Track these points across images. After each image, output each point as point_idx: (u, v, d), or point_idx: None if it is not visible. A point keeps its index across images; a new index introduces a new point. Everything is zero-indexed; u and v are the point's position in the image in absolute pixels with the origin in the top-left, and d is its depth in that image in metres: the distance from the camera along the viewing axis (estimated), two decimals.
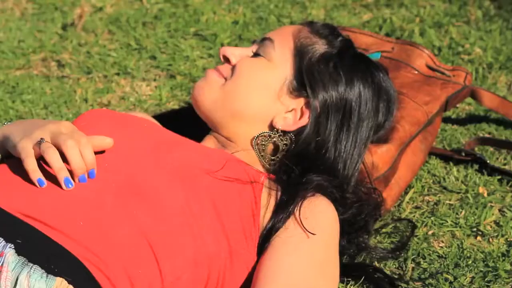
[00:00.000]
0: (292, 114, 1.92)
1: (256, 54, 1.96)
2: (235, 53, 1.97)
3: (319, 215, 1.79)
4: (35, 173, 1.66)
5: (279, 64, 1.92)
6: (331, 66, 1.92)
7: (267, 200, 1.79)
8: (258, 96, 1.92)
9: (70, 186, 1.66)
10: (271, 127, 1.92)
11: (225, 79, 1.95)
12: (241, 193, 1.77)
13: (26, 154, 1.67)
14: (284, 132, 1.91)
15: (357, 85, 1.93)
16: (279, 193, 1.81)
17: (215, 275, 1.72)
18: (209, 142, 1.95)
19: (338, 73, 1.92)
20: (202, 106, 1.95)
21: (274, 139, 1.91)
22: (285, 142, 1.91)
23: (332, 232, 1.80)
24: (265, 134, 1.92)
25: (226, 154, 1.86)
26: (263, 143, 1.91)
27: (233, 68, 1.95)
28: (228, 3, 2.95)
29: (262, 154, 1.91)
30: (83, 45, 2.79)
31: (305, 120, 1.91)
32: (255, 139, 1.91)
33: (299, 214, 1.77)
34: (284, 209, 1.78)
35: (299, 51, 1.93)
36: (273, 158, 1.91)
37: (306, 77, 1.91)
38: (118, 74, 2.67)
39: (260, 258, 1.76)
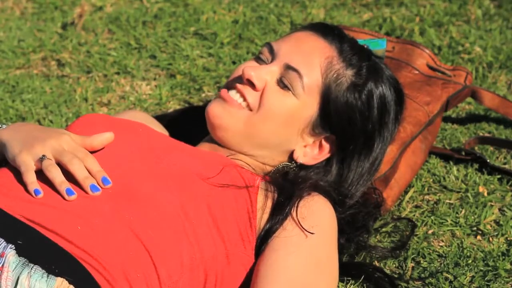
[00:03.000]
0: (310, 148, 1.91)
1: (282, 83, 1.87)
2: (259, 77, 1.88)
3: (317, 213, 1.79)
4: (33, 185, 1.68)
5: (307, 103, 1.88)
6: (357, 99, 1.89)
7: (264, 202, 1.79)
8: (283, 133, 1.89)
9: (72, 195, 1.67)
10: (290, 158, 1.92)
11: (249, 107, 1.88)
12: (237, 197, 1.77)
13: (26, 168, 1.70)
14: (302, 165, 1.91)
15: (386, 117, 1.92)
16: (275, 194, 1.80)
17: (213, 277, 1.72)
18: (205, 145, 1.94)
19: (368, 108, 1.90)
20: (220, 134, 1.90)
21: (288, 169, 1.91)
22: (296, 171, 1.91)
23: (330, 230, 1.80)
24: (283, 166, 1.91)
25: (222, 158, 1.85)
26: (277, 171, 1.91)
27: (260, 98, 1.87)
28: (228, 2, 2.95)
29: (271, 175, 1.91)
30: (83, 44, 2.79)
31: (325, 155, 1.91)
32: (273, 170, 1.91)
33: (296, 215, 1.76)
34: (281, 210, 1.77)
35: (327, 88, 1.87)
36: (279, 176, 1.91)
37: (333, 119, 1.88)
38: (118, 73, 2.67)
39: (258, 259, 1.76)
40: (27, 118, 2.50)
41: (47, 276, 1.53)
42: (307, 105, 1.88)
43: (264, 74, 1.88)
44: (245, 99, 1.88)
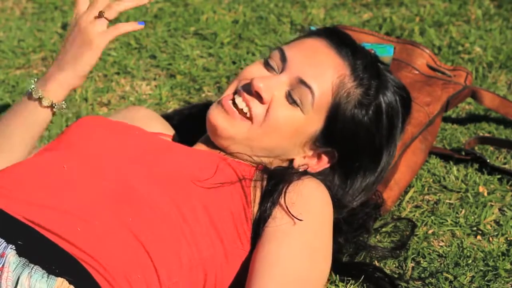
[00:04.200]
0: (309, 159, 1.90)
1: (291, 99, 1.84)
2: (268, 90, 1.84)
3: (307, 197, 1.77)
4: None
5: (313, 119, 1.86)
6: (364, 115, 1.87)
7: (254, 193, 1.78)
8: (285, 145, 1.88)
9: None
10: (290, 163, 1.91)
11: (253, 118, 1.85)
12: (232, 193, 1.76)
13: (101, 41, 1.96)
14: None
15: (393, 131, 1.92)
16: (265, 183, 1.78)
17: (212, 276, 1.73)
18: (202, 146, 1.93)
19: (376, 124, 1.88)
20: (221, 142, 1.88)
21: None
22: None
23: (323, 214, 1.78)
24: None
25: (217, 156, 1.84)
26: None
27: (266, 111, 1.85)
28: (228, 2, 2.95)
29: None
30: None
31: (323, 165, 1.90)
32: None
33: (285, 201, 1.74)
34: (269, 197, 1.75)
35: (336, 105, 1.85)
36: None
37: (337, 135, 1.87)
38: (118, 73, 2.67)
39: (253, 253, 1.74)
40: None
41: (48, 276, 1.53)
42: (313, 121, 1.86)
43: (273, 87, 1.85)
44: (250, 109, 1.86)
